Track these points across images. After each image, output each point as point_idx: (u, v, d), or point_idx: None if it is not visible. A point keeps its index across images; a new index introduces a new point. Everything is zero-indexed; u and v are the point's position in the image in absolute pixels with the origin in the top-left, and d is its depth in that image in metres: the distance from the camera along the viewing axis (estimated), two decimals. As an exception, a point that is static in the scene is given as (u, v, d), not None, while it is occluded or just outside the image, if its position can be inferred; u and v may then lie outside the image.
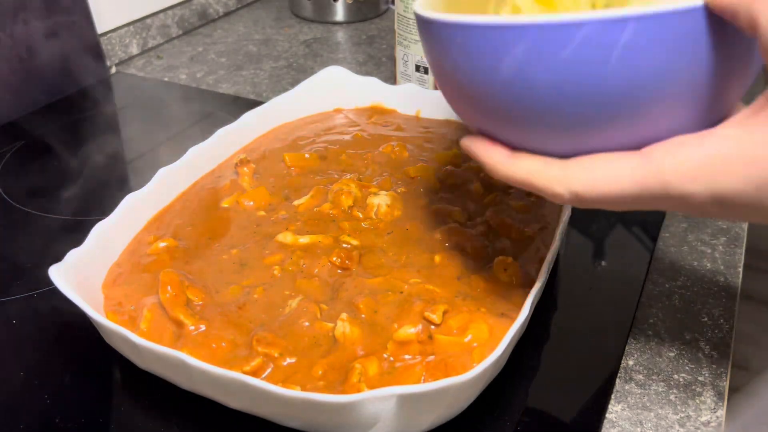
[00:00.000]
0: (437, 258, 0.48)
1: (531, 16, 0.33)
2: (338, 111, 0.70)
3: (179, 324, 0.43)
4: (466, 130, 0.40)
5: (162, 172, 0.55)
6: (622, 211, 0.35)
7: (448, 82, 0.37)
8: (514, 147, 0.36)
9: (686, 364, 0.46)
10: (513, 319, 0.41)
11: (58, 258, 0.44)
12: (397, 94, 0.69)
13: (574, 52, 0.30)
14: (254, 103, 0.80)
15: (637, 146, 0.32)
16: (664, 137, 0.32)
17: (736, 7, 0.28)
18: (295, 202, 0.55)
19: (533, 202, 0.54)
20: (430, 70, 0.39)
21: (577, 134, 0.33)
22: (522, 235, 0.50)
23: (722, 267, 0.54)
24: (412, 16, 0.74)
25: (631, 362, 0.46)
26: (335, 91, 0.70)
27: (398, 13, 0.76)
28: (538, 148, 0.35)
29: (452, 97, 0.39)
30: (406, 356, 0.40)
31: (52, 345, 0.48)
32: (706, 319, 0.49)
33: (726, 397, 0.43)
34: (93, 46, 0.87)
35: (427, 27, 0.35)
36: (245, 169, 0.59)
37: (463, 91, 0.36)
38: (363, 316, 0.43)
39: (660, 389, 0.44)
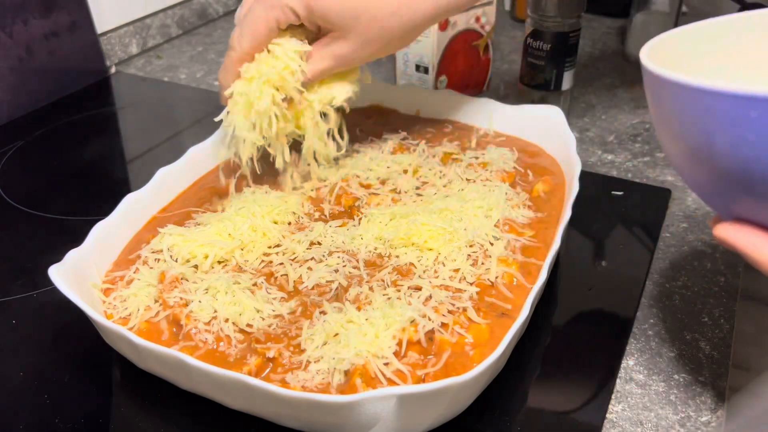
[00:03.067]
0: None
1: None
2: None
3: (178, 324, 0.43)
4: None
5: (162, 172, 0.55)
6: None
7: (707, 155, 0.31)
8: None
9: (686, 364, 0.46)
10: (513, 319, 0.41)
11: (58, 258, 0.44)
12: (397, 94, 0.69)
13: None
14: (254, 103, 0.79)
15: None
16: None
17: None
18: (295, 202, 0.55)
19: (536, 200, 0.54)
20: (663, 137, 0.35)
21: None
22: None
23: (722, 267, 0.54)
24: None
25: (631, 362, 0.46)
26: (335, 91, 0.69)
27: (398, 13, 0.76)
28: None
29: (709, 178, 0.32)
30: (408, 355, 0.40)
31: (52, 345, 0.48)
32: (706, 319, 0.49)
33: (726, 397, 0.43)
34: (93, 46, 0.87)
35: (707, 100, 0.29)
36: (245, 169, 0.59)
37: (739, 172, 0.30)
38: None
39: (660, 389, 0.44)
